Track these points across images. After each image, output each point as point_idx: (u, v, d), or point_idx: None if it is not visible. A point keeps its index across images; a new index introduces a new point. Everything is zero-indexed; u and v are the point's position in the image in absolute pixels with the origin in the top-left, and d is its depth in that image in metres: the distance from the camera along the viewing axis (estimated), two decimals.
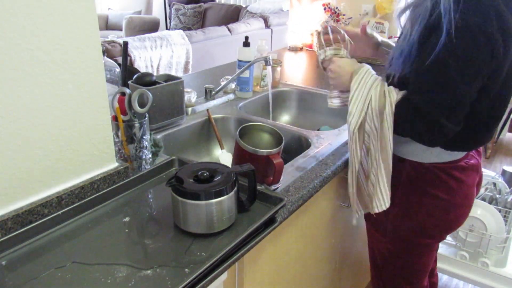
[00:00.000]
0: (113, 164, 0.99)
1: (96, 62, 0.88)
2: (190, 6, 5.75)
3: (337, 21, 2.31)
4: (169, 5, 6.14)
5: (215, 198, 0.83)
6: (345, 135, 1.37)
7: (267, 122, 1.44)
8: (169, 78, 1.36)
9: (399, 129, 1.06)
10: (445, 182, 1.14)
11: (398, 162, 1.17)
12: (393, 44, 1.22)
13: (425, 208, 1.16)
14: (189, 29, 5.43)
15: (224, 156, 1.42)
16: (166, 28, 6.21)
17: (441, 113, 0.98)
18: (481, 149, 1.24)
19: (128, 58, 2.63)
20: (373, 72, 1.12)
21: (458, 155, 1.13)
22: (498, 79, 1.01)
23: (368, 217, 1.33)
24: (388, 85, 1.08)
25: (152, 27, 5.57)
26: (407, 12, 1.07)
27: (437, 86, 0.98)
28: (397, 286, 1.34)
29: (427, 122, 1.00)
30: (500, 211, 1.77)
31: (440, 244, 1.85)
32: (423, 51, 0.99)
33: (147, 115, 1.05)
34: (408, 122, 1.04)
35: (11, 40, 0.74)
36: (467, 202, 1.19)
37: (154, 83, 1.29)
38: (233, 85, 1.68)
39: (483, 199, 1.86)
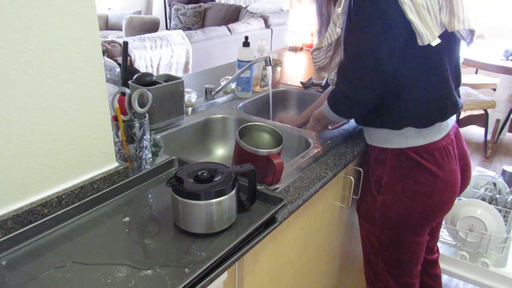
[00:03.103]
0: (113, 164, 0.99)
1: (96, 62, 0.88)
2: (190, 6, 5.74)
3: None
4: (169, 5, 6.14)
5: (215, 198, 0.83)
6: (345, 135, 1.37)
7: (267, 122, 1.44)
8: (169, 78, 1.35)
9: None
10: (425, 166, 1.17)
11: (381, 152, 1.23)
12: None
13: (409, 193, 1.20)
14: (189, 29, 5.43)
15: None
16: (166, 28, 6.21)
17: (348, 84, 1.12)
18: (461, 136, 1.29)
19: (128, 58, 2.63)
20: None
21: (433, 137, 1.16)
22: (417, 55, 1.08)
23: (359, 209, 1.39)
24: None
25: (152, 27, 5.58)
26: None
27: (344, 61, 1.13)
28: (385, 278, 1.36)
29: (336, 94, 1.18)
30: (500, 211, 1.77)
31: (440, 244, 1.85)
32: None
33: (147, 115, 1.05)
34: (334, 102, 1.20)
35: (11, 40, 0.74)
36: (450, 188, 1.21)
37: (154, 83, 1.29)
38: (233, 85, 1.68)
39: (483, 199, 1.86)
